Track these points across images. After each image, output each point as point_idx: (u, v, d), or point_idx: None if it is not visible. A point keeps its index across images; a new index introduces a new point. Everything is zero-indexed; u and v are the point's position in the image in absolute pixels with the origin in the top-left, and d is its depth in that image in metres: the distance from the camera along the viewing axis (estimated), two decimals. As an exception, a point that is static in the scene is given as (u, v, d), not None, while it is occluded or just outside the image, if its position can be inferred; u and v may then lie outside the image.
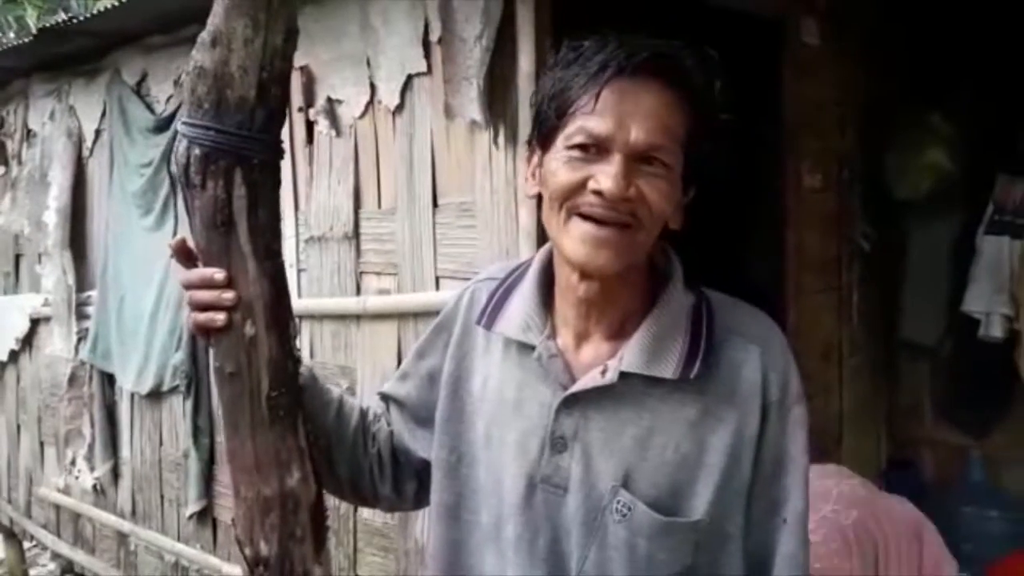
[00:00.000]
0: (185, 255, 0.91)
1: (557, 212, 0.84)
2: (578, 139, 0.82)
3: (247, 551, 0.95)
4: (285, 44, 0.92)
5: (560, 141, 0.84)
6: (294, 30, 0.92)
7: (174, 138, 3.10)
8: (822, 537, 1.58)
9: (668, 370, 0.85)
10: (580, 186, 0.82)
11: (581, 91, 0.81)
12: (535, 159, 0.89)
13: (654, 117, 0.81)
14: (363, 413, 1.04)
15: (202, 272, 0.89)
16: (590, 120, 0.81)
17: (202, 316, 0.89)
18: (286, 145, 0.94)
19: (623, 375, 0.85)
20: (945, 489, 3.02)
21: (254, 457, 0.93)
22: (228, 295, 0.88)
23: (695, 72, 0.84)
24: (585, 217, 0.82)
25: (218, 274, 0.88)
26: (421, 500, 1.07)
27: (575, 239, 0.83)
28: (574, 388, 0.87)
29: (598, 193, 0.81)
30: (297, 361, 0.96)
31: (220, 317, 0.88)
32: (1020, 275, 2.67)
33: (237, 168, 0.89)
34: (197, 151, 0.89)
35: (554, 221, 0.85)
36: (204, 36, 0.89)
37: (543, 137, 0.86)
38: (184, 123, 0.91)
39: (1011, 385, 2.73)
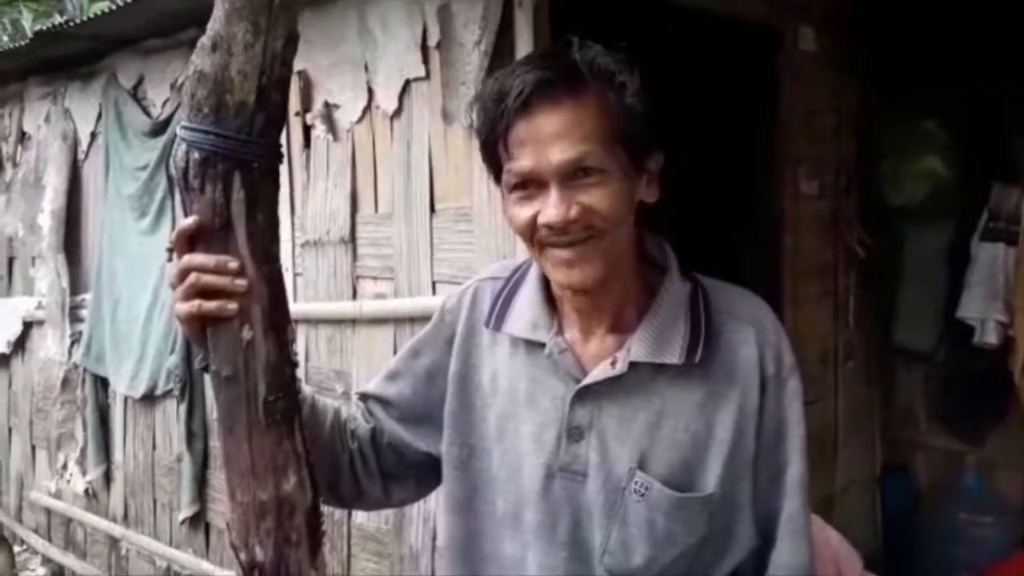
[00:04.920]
0: (193, 238, 0.87)
1: (529, 246, 0.91)
2: (513, 181, 0.88)
3: (242, 556, 0.95)
4: (285, 49, 0.91)
5: (504, 187, 0.91)
6: (294, 35, 0.92)
7: (171, 142, 3.10)
8: None
9: (674, 356, 0.90)
10: (533, 223, 0.88)
11: (496, 141, 0.88)
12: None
13: (565, 134, 0.85)
14: (337, 411, 1.06)
15: (218, 257, 0.86)
16: (514, 164, 0.87)
17: (212, 304, 0.86)
18: (283, 149, 0.94)
19: (632, 364, 0.90)
20: (940, 495, 3.02)
21: (250, 461, 0.92)
22: (241, 282, 0.86)
23: (592, 63, 0.87)
24: (551, 246, 0.88)
25: (232, 262, 0.86)
26: (405, 498, 1.11)
27: (551, 267, 0.90)
28: (587, 380, 0.92)
29: (548, 226, 0.87)
30: (295, 365, 0.95)
31: (232, 305, 0.86)
32: (1015, 282, 2.68)
33: (236, 172, 0.88)
34: (196, 155, 0.89)
35: (532, 253, 0.93)
36: (204, 40, 0.89)
37: (496, 180, 0.93)
38: (183, 127, 0.90)
39: (1006, 391, 2.74)
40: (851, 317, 2.91)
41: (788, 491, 0.93)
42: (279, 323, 0.92)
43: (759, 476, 0.93)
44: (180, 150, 0.90)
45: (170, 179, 2.68)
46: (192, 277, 0.87)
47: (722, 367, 0.92)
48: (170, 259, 0.93)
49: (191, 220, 0.87)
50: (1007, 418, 2.84)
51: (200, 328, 0.90)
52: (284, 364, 0.93)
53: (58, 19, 3.06)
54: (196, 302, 0.87)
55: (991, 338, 2.70)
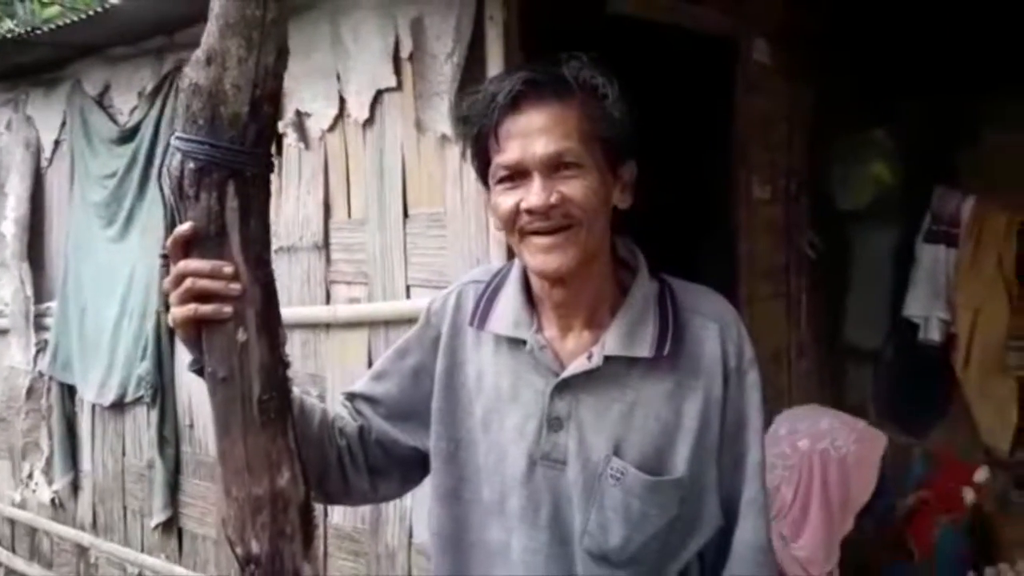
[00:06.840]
0: (188, 243, 0.91)
1: (511, 235, 0.98)
2: (500, 174, 0.96)
3: (238, 550, 0.97)
4: (276, 63, 0.95)
5: (491, 180, 0.98)
6: (285, 49, 0.96)
7: (140, 149, 3.04)
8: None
9: (644, 350, 0.97)
10: (516, 210, 0.95)
11: (486, 136, 0.96)
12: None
13: (549, 130, 0.94)
14: (324, 411, 1.10)
15: (213, 262, 0.90)
16: (501, 157, 0.95)
17: (208, 308, 0.89)
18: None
19: (606, 358, 0.97)
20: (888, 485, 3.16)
21: (245, 458, 0.95)
22: (235, 286, 0.90)
23: (578, 74, 0.95)
24: (531, 233, 0.95)
25: (227, 267, 0.90)
26: (389, 493, 1.15)
27: (530, 254, 0.97)
28: (565, 374, 0.98)
29: (529, 211, 0.94)
30: (287, 365, 0.99)
31: (228, 308, 0.90)
32: (955, 281, 2.83)
33: (230, 181, 0.92)
34: (191, 164, 0.92)
35: (513, 243, 0.99)
36: (199, 54, 0.93)
37: (482, 177, 1.00)
38: (178, 138, 0.93)
39: (949, 386, 2.88)
40: (803, 318, 3.03)
41: (748, 475, 1.00)
42: (272, 325, 0.96)
43: (722, 461, 0.99)
44: (175, 160, 0.93)
45: (162, 187, 2.67)
46: (188, 282, 0.90)
47: (689, 360, 0.98)
48: (164, 265, 0.96)
49: (186, 227, 0.91)
50: (951, 410, 2.99)
51: (195, 331, 0.93)
52: (277, 364, 0.96)
53: (9, 24, 3.02)
54: (192, 306, 0.90)
55: (934, 335, 2.85)
